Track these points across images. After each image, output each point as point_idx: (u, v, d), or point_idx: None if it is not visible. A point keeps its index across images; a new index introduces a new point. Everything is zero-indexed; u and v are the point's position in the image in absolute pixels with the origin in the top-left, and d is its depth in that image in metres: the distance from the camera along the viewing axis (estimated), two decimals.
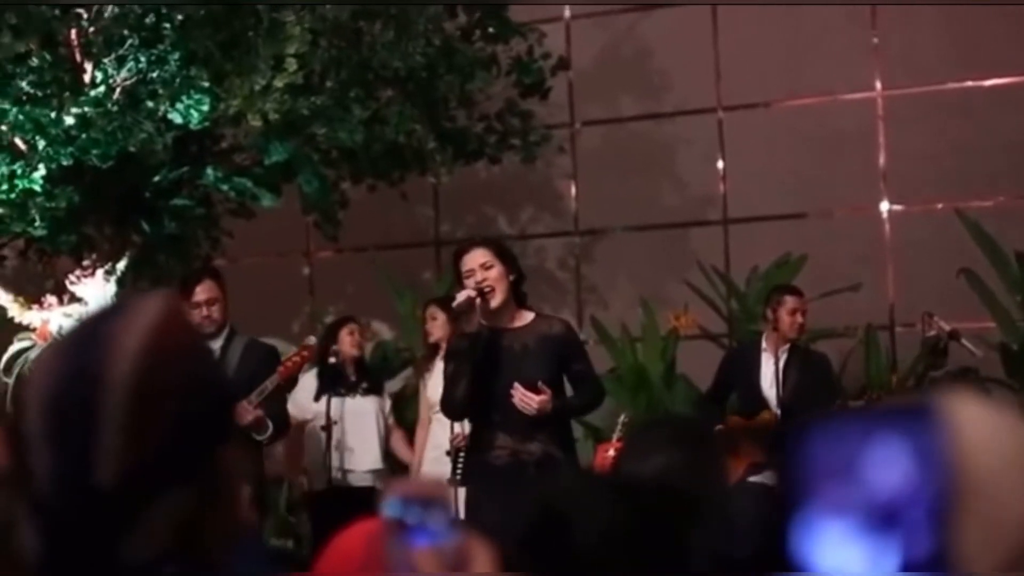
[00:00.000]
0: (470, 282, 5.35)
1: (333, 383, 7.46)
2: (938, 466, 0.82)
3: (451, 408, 5.60)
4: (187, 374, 1.26)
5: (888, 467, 0.82)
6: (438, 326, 7.49)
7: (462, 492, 6.41)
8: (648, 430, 2.98)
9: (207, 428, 1.27)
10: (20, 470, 1.21)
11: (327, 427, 7.24)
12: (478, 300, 5.31)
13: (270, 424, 6.05)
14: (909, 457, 0.81)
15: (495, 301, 5.36)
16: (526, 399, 5.24)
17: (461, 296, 5.33)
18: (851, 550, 0.81)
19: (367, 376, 7.77)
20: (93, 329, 1.29)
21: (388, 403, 7.89)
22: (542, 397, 5.24)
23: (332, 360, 7.46)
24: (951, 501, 0.80)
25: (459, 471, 6.31)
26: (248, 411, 5.87)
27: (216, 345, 6.04)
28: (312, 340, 6.97)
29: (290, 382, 6.58)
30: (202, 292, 6.27)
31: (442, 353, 7.11)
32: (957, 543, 0.82)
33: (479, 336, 5.35)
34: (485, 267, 5.37)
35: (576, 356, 5.55)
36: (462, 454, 6.39)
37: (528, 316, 5.53)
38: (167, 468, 1.22)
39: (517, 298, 5.50)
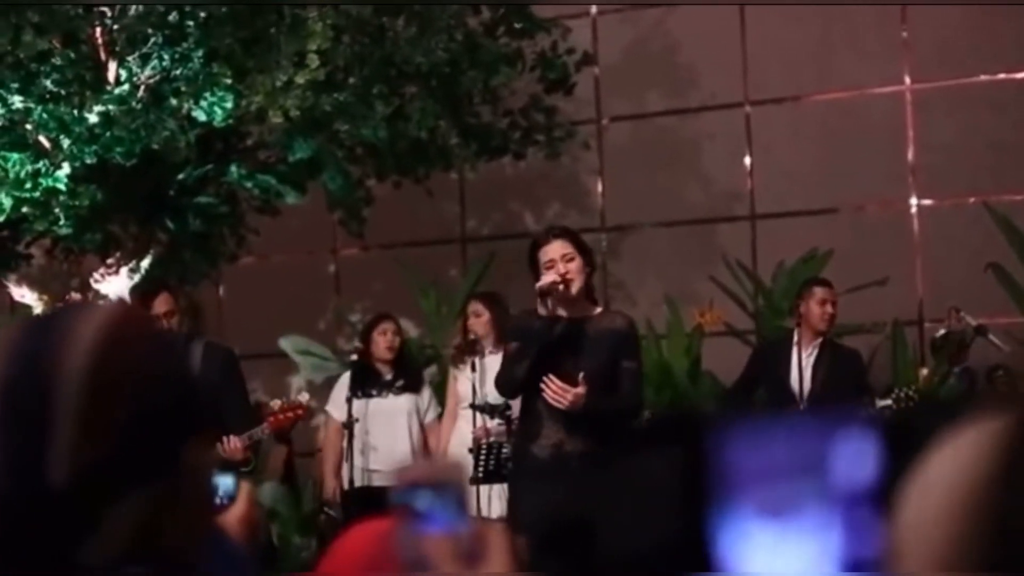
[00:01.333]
0: (551, 273, 5.35)
1: (364, 383, 7.44)
2: (867, 464, 0.79)
3: (508, 385, 5.57)
4: (147, 366, 1.21)
5: (840, 466, 0.79)
6: (482, 323, 7.41)
7: (484, 489, 6.42)
8: (658, 424, 2.96)
9: (170, 423, 1.22)
10: None
11: (348, 426, 7.23)
12: (560, 287, 5.32)
13: (253, 458, 6.45)
14: (857, 455, 0.78)
15: (572, 291, 5.37)
16: (559, 393, 5.21)
17: (547, 278, 5.33)
18: (786, 552, 0.78)
19: (405, 373, 7.68)
20: (49, 321, 1.25)
21: (427, 398, 7.79)
22: (577, 391, 5.19)
23: (354, 358, 7.47)
24: (895, 502, 0.77)
25: (480, 469, 6.28)
26: (240, 451, 6.22)
27: None
28: (306, 397, 6.93)
29: (280, 433, 6.93)
30: (159, 305, 6.40)
31: (479, 348, 7.12)
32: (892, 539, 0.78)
33: (555, 322, 5.35)
34: (567, 259, 5.38)
35: (628, 353, 5.48)
36: (483, 451, 6.36)
37: (595, 310, 5.56)
38: (127, 466, 1.17)
39: (587, 291, 5.51)
